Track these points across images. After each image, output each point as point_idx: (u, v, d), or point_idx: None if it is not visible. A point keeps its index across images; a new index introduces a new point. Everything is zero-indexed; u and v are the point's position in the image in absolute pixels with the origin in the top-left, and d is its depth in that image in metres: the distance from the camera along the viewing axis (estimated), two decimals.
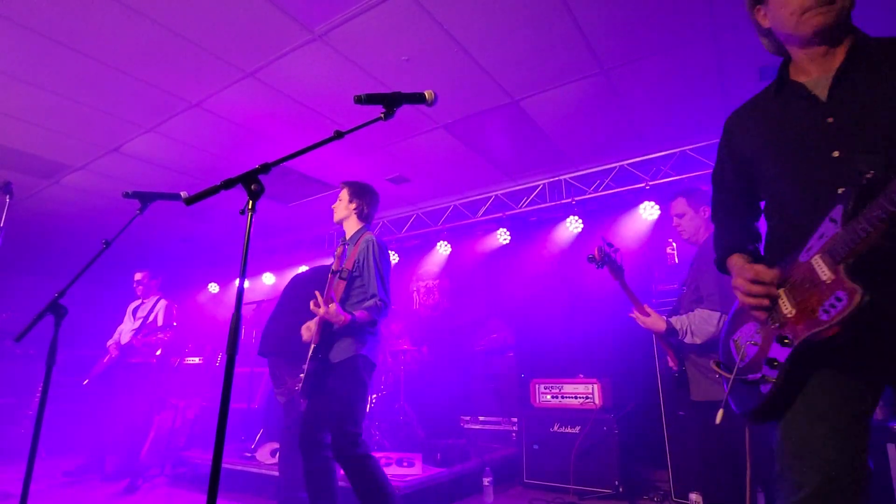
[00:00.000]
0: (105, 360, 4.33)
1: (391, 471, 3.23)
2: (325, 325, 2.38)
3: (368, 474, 2.24)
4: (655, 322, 2.29)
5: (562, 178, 4.78)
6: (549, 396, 3.89)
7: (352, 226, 2.71)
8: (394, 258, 5.74)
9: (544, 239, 4.94)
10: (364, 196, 2.74)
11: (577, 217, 4.59)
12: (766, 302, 1.20)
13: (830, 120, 1.18)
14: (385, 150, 4.23)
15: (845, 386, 1.11)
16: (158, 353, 4.35)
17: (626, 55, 3.03)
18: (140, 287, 4.57)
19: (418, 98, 1.55)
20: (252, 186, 1.22)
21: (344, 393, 2.31)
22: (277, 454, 3.79)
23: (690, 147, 4.15)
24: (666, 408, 3.36)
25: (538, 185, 4.90)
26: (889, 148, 1.08)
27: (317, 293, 2.31)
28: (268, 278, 6.83)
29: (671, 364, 2.43)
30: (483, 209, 5.17)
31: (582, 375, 3.84)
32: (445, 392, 4.95)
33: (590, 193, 4.60)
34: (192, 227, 6.07)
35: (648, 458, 3.71)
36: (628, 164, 4.45)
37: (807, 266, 1.13)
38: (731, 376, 1.28)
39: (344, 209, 2.70)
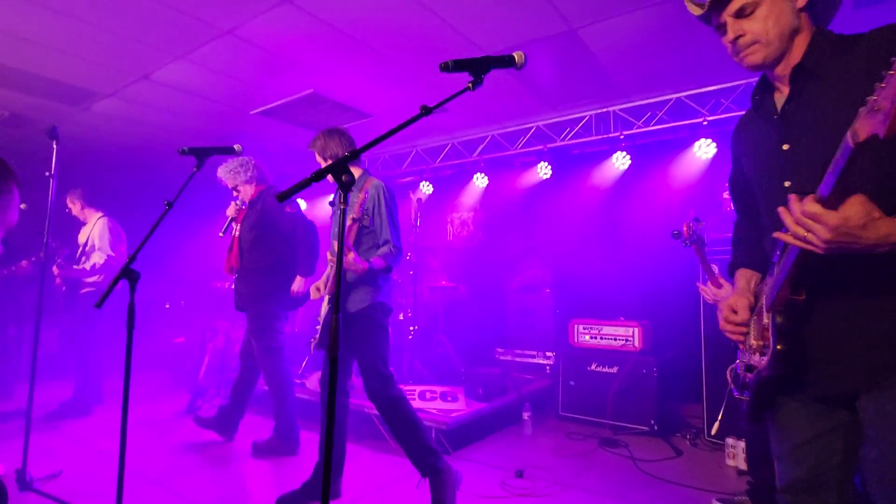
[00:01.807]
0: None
1: (436, 405, 3.41)
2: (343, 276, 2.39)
3: (401, 413, 2.38)
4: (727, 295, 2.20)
5: (610, 109, 4.48)
6: (587, 336, 3.96)
7: (353, 171, 2.66)
8: (427, 188, 5.63)
9: (587, 175, 4.75)
10: (330, 142, 2.59)
11: (624, 153, 4.37)
12: (740, 337, 1.27)
13: (786, 147, 1.16)
14: (424, 80, 3.97)
15: (803, 406, 1.17)
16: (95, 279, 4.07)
17: None
18: (74, 213, 4.28)
19: (508, 62, 1.39)
20: (343, 177, 1.14)
21: (369, 340, 2.41)
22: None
23: (757, 79, 3.81)
24: (706, 354, 3.39)
25: (584, 117, 4.62)
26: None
27: (333, 243, 2.29)
28: (301, 204, 6.83)
29: None
30: (523, 140, 4.94)
31: (622, 318, 3.87)
32: (481, 325, 5.08)
33: (640, 127, 4.33)
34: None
35: (684, 397, 3.84)
36: (685, 97, 4.12)
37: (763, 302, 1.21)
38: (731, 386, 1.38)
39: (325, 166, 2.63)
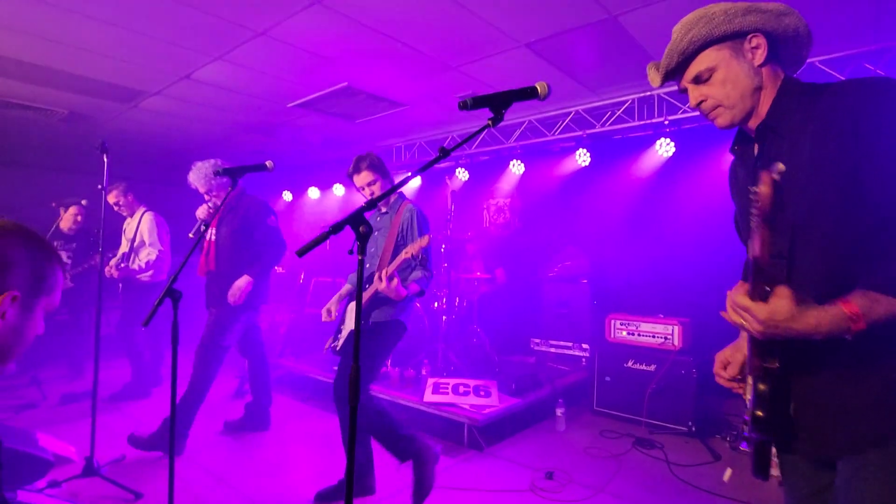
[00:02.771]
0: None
1: (469, 400, 3.47)
2: (374, 293, 2.51)
3: (379, 413, 2.51)
4: None
5: (655, 92, 4.24)
6: (624, 333, 3.88)
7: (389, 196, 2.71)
8: (463, 175, 5.58)
9: (629, 163, 4.56)
10: (382, 168, 2.73)
11: (668, 140, 4.16)
12: (737, 390, 1.23)
13: None
14: (458, 70, 3.89)
15: (799, 462, 1.16)
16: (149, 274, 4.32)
17: None
18: (120, 208, 4.40)
19: (530, 93, 1.33)
20: (360, 228, 1.15)
21: (370, 350, 2.52)
22: None
23: (821, 58, 3.49)
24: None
25: (626, 101, 4.40)
26: (793, 250, 1.05)
27: (384, 272, 2.39)
28: (338, 190, 6.94)
29: None
30: (560, 126, 4.78)
31: (662, 315, 3.77)
32: (517, 314, 5.07)
33: (686, 112, 4.09)
34: (263, 140, 6.12)
35: (724, 399, 3.73)
36: None
37: None
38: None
39: (381, 191, 2.67)
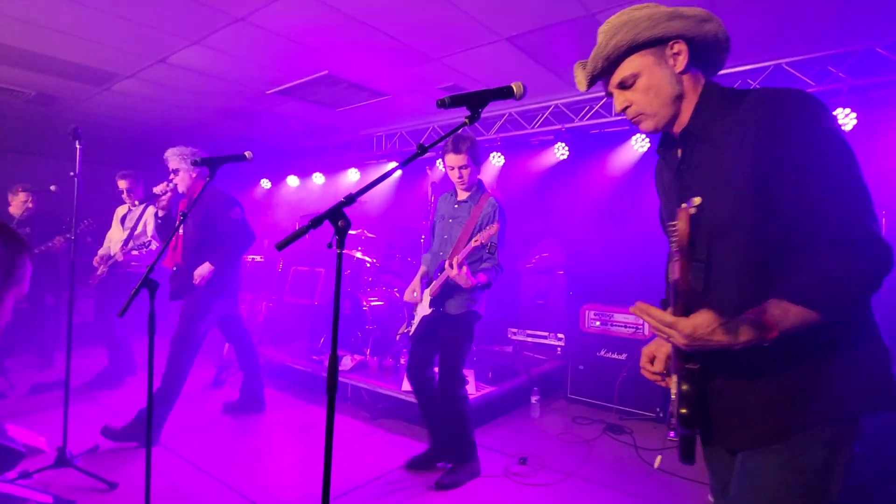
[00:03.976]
0: (97, 275, 4.32)
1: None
2: (447, 280, 2.58)
3: (465, 415, 2.67)
4: None
5: None
6: (598, 323, 4.00)
7: (471, 183, 2.77)
8: (443, 166, 5.60)
9: (606, 157, 4.65)
10: (481, 153, 2.75)
11: (643, 135, 4.25)
12: (662, 383, 1.29)
13: (685, 205, 1.13)
14: (440, 61, 3.89)
15: (721, 454, 1.23)
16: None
17: None
18: (126, 195, 4.35)
19: (506, 93, 1.38)
20: (339, 223, 1.18)
21: (457, 342, 2.65)
22: (342, 360, 4.18)
23: (788, 60, 3.61)
24: None
25: (603, 96, 4.46)
26: (711, 251, 1.10)
27: (456, 258, 2.48)
28: (318, 178, 6.88)
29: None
30: (540, 119, 4.83)
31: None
32: (495, 305, 5.12)
33: None
34: (242, 127, 6.03)
35: None
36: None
37: None
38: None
39: (473, 174, 2.71)
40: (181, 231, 3.35)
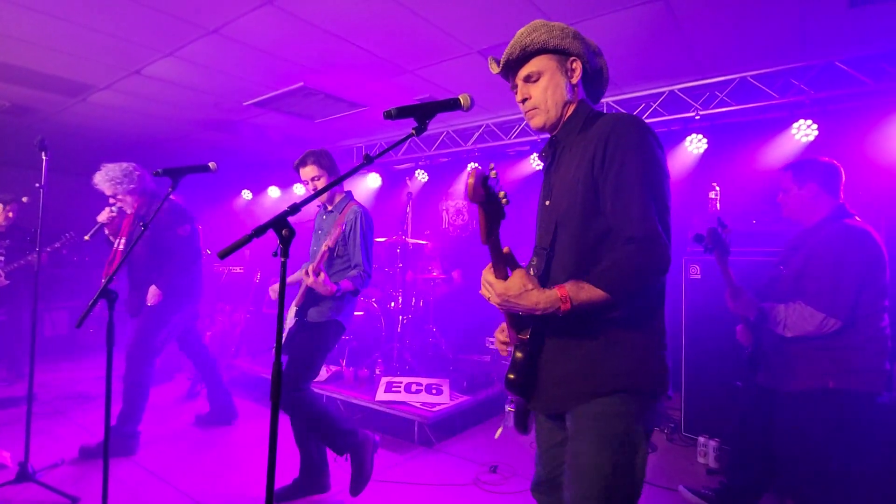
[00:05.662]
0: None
1: (421, 398, 3.54)
2: (310, 290, 2.54)
3: (305, 413, 2.49)
4: (746, 307, 2.18)
5: (603, 101, 4.41)
6: None
7: (336, 196, 2.77)
8: (423, 177, 5.64)
9: None
10: (334, 166, 2.72)
11: None
12: (502, 351, 1.48)
13: (547, 203, 1.37)
14: (414, 73, 3.95)
15: (545, 421, 1.40)
16: None
17: None
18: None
19: (453, 105, 1.41)
20: (283, 232, 1.20)
21: (308, 350, 2.53)
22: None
23: (753, 73, 3.72)
24: (686, 346, 3.45)
25: None
26: (554, 240, 1.30)
27: (311, 266, 2.44)
28: (299, 189, 6.88)
29: (742, 340, 2.36)
30: (516, 130, 4.90)
31: None
32: (473, 314, 5.17)
33: None
34: (218, 138, 6.03)
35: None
36: (678, 89, 4.05)
37: None
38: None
39: (322, 186, 2.67)
40: (120, 247, 3.19)
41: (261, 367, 4.57)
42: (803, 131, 3.59)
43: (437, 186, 5.85)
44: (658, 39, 3.32)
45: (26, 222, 4.78)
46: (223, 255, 1.17)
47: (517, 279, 1.14)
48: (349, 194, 2.82)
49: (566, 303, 1.11)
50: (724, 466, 2.94)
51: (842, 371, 1.98)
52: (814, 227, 2.18)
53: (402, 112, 1.36)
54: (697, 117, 3.95)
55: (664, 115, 4.12)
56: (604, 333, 1.21)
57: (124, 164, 3.24)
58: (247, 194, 7.41)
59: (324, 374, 4.08)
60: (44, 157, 2.59)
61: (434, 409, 3.37)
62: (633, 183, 1.16)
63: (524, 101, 1.38)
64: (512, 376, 1.28)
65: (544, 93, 1.33)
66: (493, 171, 1.06)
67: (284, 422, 3.71)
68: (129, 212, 3.26)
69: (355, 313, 4.65)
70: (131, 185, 3.22)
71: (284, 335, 2.69)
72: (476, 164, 5.13)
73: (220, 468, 2.97)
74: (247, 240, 1.18)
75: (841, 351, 1.99)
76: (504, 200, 1.08)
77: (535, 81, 1.35)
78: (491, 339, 4.97)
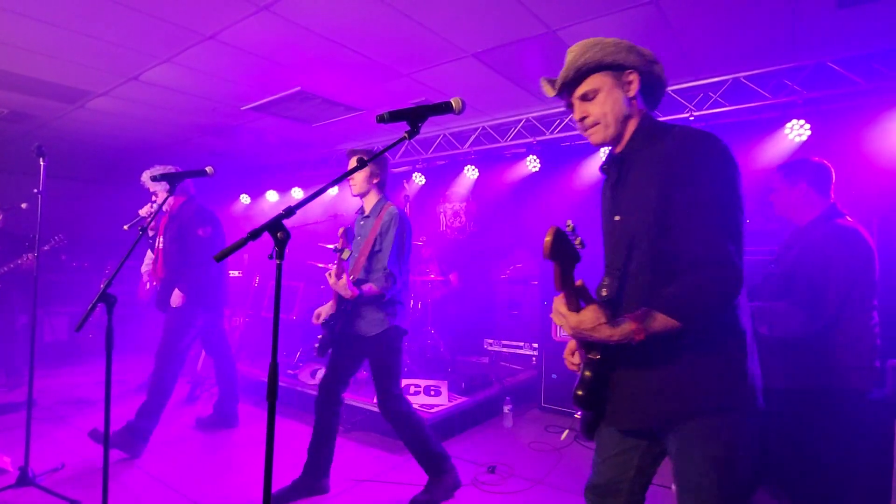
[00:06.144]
0: (146, 291, 4.33)
1: (419, 399, 3.55)
2: (354, 304, 2.54)
3: (407, 425, 2.59)
4: None
5: None
6: None
7: (371, 199, 2.71)
8: (420, 179, 5.67)
9: (575, 170, 4.75)
10: (384, 168, 2.71)
11: (608, 147, 4.36)
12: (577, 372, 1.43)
13: (617, 218, 1.36)
14: (410, 77, 3.98)
15: (611, 431, 1.41)
16: None
17: None
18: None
19: (445, 108, 1.43)
20: (278, 234, 1.22)
21: (385, 363, 2.56)
22: (317, 374, 4.18)
23: (745, 74, 3.75)
24: None
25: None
26: (628, 260, 1.29)
27: (333, 267, 2.45)
28: (297, 192, 6.91)
29: None
30: (512, 133, 4.93)
31: None
32: (471, 316, 5.18)
33: None
34: (218, 142, 6.05)
35: None
36: (672, 90, 4.08)
37: None
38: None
39: (365, 182, 2.65)
40: (161, 245, 3.46)
41: (260, 371, 4.59)
42: (796, 131, 3.62)
43: (435, 189, 5.88)
44: (650, 41, 3.35)
45: (19, 228, 4.80)
46: (220, 257, 1.19)
47: (590, 314, 1.13)
48: (386, 196, 2.74)
49: (640, 334, 1.12)
50: None
51: (832, 368, 2.00)
52: (807, 227, 2.21)
53: (395, 116, 1.39)
54: (692, 118, 3.98)
55: (658, 116, 4.14)
56: (682, 353, 1.22)
57: (168, 166, 3.41)
58: (245, 198, 7.43)
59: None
60: (41, 163, 2.61)
61: (432, 411, 3.39)
62: (707, 205, 1.15)
63: (582, 119, 1.36)
64: (580, 393, 1.29)
65: (602, 109, 1.32)
66: (571, 225, 1.11)
67: (282, 424, 3.75)
68: (165, 209, 3.46)
69: None
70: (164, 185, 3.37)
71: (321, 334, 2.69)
72: (473, 167, 5.16)
73: (220, 471, 2.98)
74: (242, 243, 1.20)
75: (831, 349, 2.01)
76: (580, 245, 1.14)
77: (591, 99, 1.34)
78: (490, 341, 5.00)
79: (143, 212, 3.42)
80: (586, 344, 1.26)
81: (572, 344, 1.46)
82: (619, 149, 1.38)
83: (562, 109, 4.64)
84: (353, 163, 2.64)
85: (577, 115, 1.38)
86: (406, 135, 1.41)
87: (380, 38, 3.30)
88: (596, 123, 1.34)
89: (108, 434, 1.95)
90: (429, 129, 5.48)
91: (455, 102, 1.44)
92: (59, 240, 4.25)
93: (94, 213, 4.39)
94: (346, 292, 2.43)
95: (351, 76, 3.96)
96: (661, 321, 1.13)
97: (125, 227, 3.17)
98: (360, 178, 2.64)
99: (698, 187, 1.17)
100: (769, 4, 2.87)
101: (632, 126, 1.35)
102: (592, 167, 4.61)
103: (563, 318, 1.16)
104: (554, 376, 4.03)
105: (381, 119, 1.37)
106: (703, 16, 3.00)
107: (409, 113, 1.40)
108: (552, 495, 2.70)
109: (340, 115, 4.95)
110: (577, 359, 1.44)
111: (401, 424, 2.59)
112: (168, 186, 2.26)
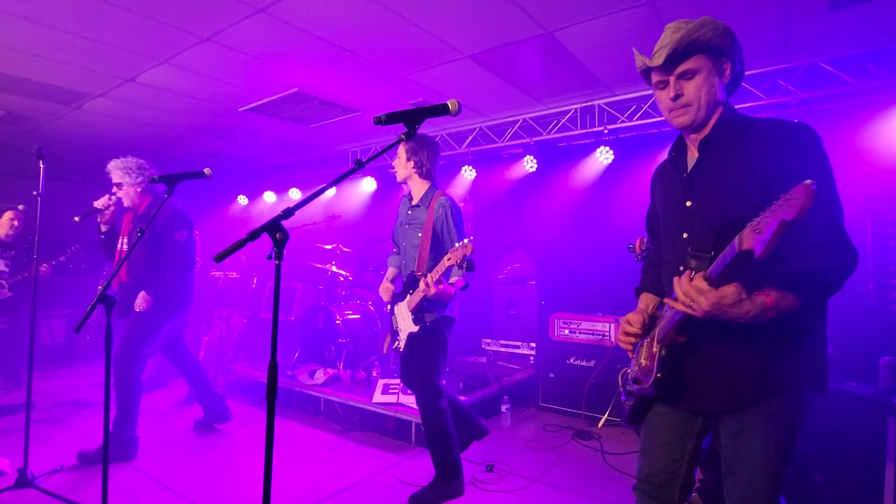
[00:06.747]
0: None
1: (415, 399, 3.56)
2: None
3: (438, 424, 2.55)
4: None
5: (595, 102, 4.47)
6: (566, 331, 4.07)
7: (417, 185, 2.67)
8: None
9: (572, 169, 4.77)
10: (422, 151, 2.63)
11: (607, 148, 4.39)
12: (629, 347, 1.51)
13: (689, 204, 1.36)
14: (407, 78, 3.99)
15: (671, 414, 1.42)
16: None
17: None
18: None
19: (442, 110, 1.45)
20: (277, 235, 1.23)
21: (430, 351, 2.56)
22: (315, 374, 4.19)
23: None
24: None
25: (569, 110, 4.61)
26: (717, 243, 1.26)
27: (428, 276, 2.43)
28: (294, 193, 6.91)
29: None
30: (509, 133, 4.95)
31: (600, 314, 3.97)
32: (469, 316, 5.18)
33: (624, 122, 4.32)
34: (216, 143, 6.06)
35: None
36: None
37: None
38: (621, 388, 1.61)
39: (403, 168, 2.63)
40: (123, 246, 3.22)
41: (258, 372, 4.59)
42: None
43: None
44: (646, 42, 3.36)
45: (31, 232, 4.78)
46: (219, 258, 1.20)
47: (733, 289, 1.12)
48: (435, 185, 2.69)
49: (773, 311, 1.13)
50: (701, 462, 2.98)
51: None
52: None
53: (392, 118, 1.41)
54: None
55: (656, 117, 4.18)
56: (775, 336, 1.24)
57: (140, 160, 3.26)
58: (242, 200, 7.43)
59: (321, 376, 4.10)
60: (41, 165, 2.62)
61: None
62: (823, 193, 1.14)
63: (676, 97, 1.32)
64: (660, 375, 1.31)
65: (699, 91, 1.30)
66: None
67: (281, 424, 3.76)
68: (126, 204, 3.25)
69: (352, 316, 4.68)
70: (139, 179, 3.23)
71: (403, 339, 2.69)
72: (470, 167, 5.18)
73: (219, 472, 2.99)
74: (241, 243, 1.22)
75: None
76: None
77: (689, 79, 1.31)
78: (488, 341, 5.01)
79: (100, 204, 3.08)
80: (680, 327, 1.26)
81: (627, 318, 1.48)
82: (700, 135, 1.36)
83: (557, 110, 4.66)
84: (400, 150, 2.63)
85: (672, 93, 1.32)
86: (403, 136, 1.42)
87: (377, 39, 3.31)
88: (688, 105, 1.31)
89: (108, 434, 1.96)
90: (426, 129, 5.50)
91: (452, 104, 1.47)
92: (74, 250, 4.24)
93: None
94: (446, 295, 2.46)
95: (348, 77, 3.97)
96: (790, 300, 1.14)
97: (76, 218, 2.92)
98: (399, 164, 2.64)
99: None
100: (763, 5, 2.89)
101: (717, 114, 1.34)
102: (590, 167, 4.63)
103: (702, 294, 1.12)
104: (551, 375, 4.05)
105: (378, 121, 1.39)
106: (698, 17, 3.02)
107: (407, 115, 1.42)
108: (550, 493, 2.72)
109: (338, 116, 4.96)
110: (633, 329, 1.45)
111: (432, 420, 2.58)
112: (155, 185, 2.20)
